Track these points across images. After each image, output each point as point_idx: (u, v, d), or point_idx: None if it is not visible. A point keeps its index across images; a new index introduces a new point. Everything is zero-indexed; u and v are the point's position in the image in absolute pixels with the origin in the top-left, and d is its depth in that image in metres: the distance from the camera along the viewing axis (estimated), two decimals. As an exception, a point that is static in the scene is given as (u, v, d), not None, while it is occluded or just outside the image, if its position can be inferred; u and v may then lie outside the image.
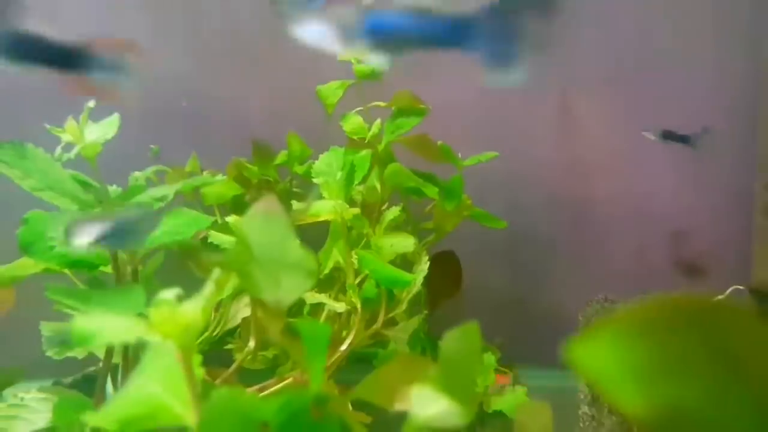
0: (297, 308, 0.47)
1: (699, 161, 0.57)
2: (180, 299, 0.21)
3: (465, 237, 0.54)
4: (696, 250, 0.59)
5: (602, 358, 0.09)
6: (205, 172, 0.56)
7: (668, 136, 0.53)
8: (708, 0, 0.56)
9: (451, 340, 0.19)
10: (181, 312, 0.20)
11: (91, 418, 0.21)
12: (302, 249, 0.19)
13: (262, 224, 0.18)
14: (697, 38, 0.56)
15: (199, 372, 0.22)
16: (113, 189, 0.37)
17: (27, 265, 0.47)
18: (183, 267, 0.53)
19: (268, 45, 0.58)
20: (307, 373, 0.18)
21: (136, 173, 0.39)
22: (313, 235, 0.50)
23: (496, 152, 0.52)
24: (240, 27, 0.59)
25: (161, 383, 0.21)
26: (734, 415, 0.09)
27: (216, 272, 0.21)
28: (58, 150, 0.33)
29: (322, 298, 0.43)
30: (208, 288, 0.21)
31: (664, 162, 0.58)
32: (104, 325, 0.19)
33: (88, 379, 0.48)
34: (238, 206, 0.54)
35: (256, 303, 0.39)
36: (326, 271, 0.45)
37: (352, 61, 0.48)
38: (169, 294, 0.21)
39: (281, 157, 0.54)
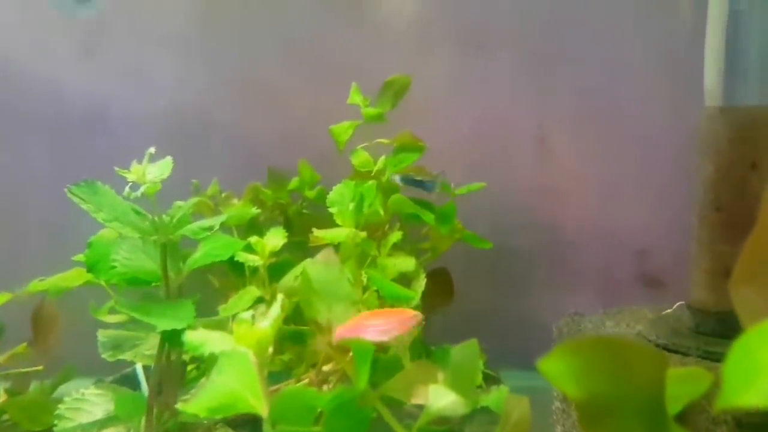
0: (300, 315, 0.54)
1: (662, 188, 0.66)
2: (254, 318, 0.28)
3: (456, 255, 0.62)
4: (658, 266, 0.67)
5: (558, 369, 0.16)
6: (224, 195, 0.63)
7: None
8: (667, 49, 0.65)
9: (458, 351, 0.27)
10: (256, 328, 0.28)
11: (185, 407, 0.28)
12: (349, 286, 0.26)
13: (322, 267, 0.26)
14: (655, 83, 0.65)
15: (265, 374, 0.29)
16: (165, 218, 0.44)
17: (72, 278, 0.54)
18: (202, 279, 0.60)
19: (282, 82, 0.66)
20: (353, 376, 0.26)
21: (179, 202, 0.46)
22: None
23: (483, 181, 0.59)
24: (258, 64, 0.66)
25: (238, 381, 0.28)
26: (632, 414, 0.17)
27: (281, 297, 0.28)
28: (127, 189, 0.40)
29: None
30: (275, 310, 0.28)
31: (631, 189, 0.67)
32: (206, 338, 0.26)
33: (126, 379, 0.55)
34: (254, 226, 0.61)
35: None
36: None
37: (360, 104, 0.56)
38: (247, 314, 0.28)
39: (293, 183, 0.62)
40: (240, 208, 0.59)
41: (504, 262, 0.66)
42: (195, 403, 0.28)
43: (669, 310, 0.45)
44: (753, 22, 0.37)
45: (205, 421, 0.45)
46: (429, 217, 0.55)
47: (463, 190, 0.58)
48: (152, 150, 0.40)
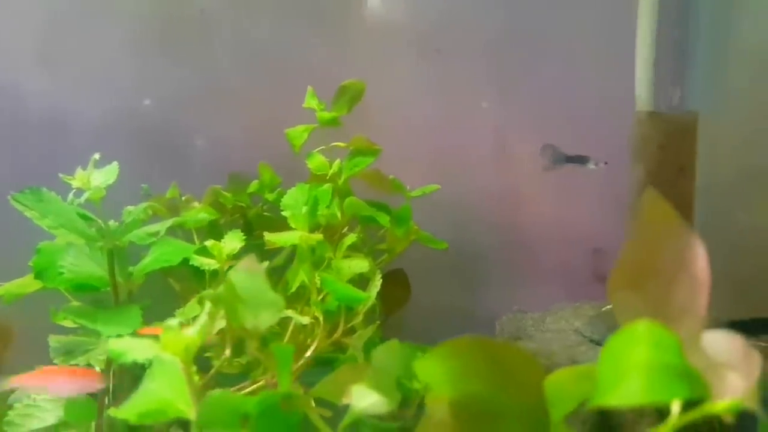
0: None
1: (616, 189, 0.67)
2: (181, 325, 0.29)
3: (415, 256, 0.62)
4: (612, 264, 0.68)
5: (434, 370, 0.17)
6: (183, 198, 0.63)
7: (570, 159, 0.61)
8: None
9: (380, 352, 0.27)
10: (183, 335, 0.28)
11: (116, 413, 0.29)
12: (273, 293, 0.27)
13: (245, 276, 0.26)
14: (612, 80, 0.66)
15: (195, 379, 0.30)
16: (112, 224, 0.44)
17: (26, 284, 0.54)
18: (164, 281, 0.60)
19: (243, 87, 0.66)
20: (277, 378, 0.26)
21: (129, 208, 0.46)
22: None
23: (442, 184, 0.60)
24: (218, 69, 0.66)
25: (168, 387, 0.29)
26: (507, 411, 0.18)
27: (209, 306, 0.29)
28: (71, 196, 0.40)
29: (289, 312, 0.51)
30: (203, 318, 0.29)
31: (587, 190, 0.68)
32: (132, 345, 0.26)
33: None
34: (214, 229, 0.61)
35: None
36: (293, 289, 0.53)
37: (316, 108, 0.56)
38: (174, 322, 0.28)
39: (253, 186, 0.62)
40: (198, 212, 0.59)
41: (463, 262, 0.67)
42: (126, 409, 0.29)
43: (608, 307, 0.46)
44: (680, 33, 0.38)
45: (159, 425, 0.46)
46: (384, 219, 0.56)
47: (417, 192, 0.59)
48: (97, 156, 0.40)
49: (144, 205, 0.46)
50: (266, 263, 0.55)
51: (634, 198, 0.40)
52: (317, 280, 0.51)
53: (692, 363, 0.18)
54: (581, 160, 0.60)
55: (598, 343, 0.39)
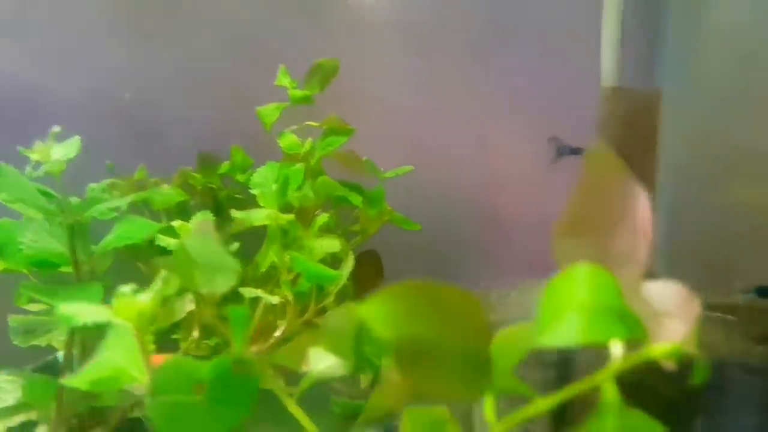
0: (237, 301, 0.54)
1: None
2: (136, 292, 0.28)
3: (389, 239, 0.62)
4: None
5: (376, 312, 0.17)
6: (152, 181, 0.62)
7: (574, 151, 0.62)
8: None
9: (334, 315, 0.27)
10: (136, 301, 0.28)
11: (68, 381, 0.28)
12: (229, 255, 0.26)
13: (199, 238, 0.26)
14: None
15: (151, 347, 0.29)
16: (73, 199, 0.43)
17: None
18: (132, 265, 0.59)
19: (217, 68, 0.65)
20: (232, 342, 0.26)
21: (93, 185, 0.45)
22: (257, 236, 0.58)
23: (419, 169, 0.60)
24: (191, 50, 0.65)
25: (122, 355, 0.28)
26: (449, 352, 0.18)
27: (163, 272, 0.28)
28: (28, 168, 0.39)
29: (258, 292, 0.50)
30: (157, 284, 0.28)
31: (564, 178, 0.68)
32: (81, 310, 0.26)
33: (47, 367, 0.54)
34: (184, 211, 0.61)
35: (199, 298, 0.46)
36: (263, 270, 0.52)
37: (288, 86, 0.56)
38: (127, 288, 0.28)
39: (224, 167, 0.61)
40: (169, 193, 0.59)
41: (437, 247, 0.67)
42: (79, 378, 0.28)
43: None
44: (647, 10, 0.38)
45: (121, 405, 0.45)
46: (357, 198, 0.56)
47: (391, 174, 0.58)
48: (57, 129, 0.39)
49: (107, 181, 0.45)
50: (236, 244, 0.55)
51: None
52: (287, 260, 0.50)
53: (634, 309, 0.18)
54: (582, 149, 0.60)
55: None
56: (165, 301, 0.57)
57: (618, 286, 0.17)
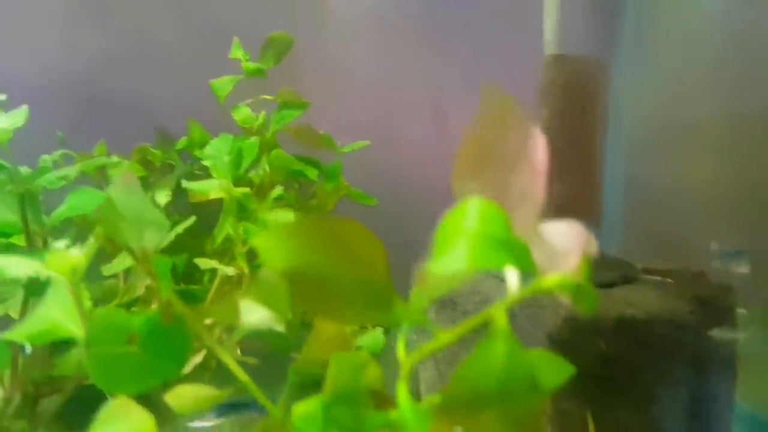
0: (192, 273, 0.55)
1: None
2: (68, 247, 0.28)
3: (350, 214, 0.63)
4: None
5: (272, 244, 0.18)
6: (112, 157, 0.62)
7: None
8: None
9: (265, 271, 0.28)
10: (70, 256, 0.28)
11: (8, 336, 0.28)
12: (154, 209, 0.27)
13: (124, 192, 0.26)
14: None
15: (87, 303, 0.30)
16: (23, 169, 0.43)
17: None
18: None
19: (174, 43, 0.65)
20: (159, 292, 0.26)
21: (45, 156, 0.45)
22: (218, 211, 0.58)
23: (379, 148, 0.61)
24: (147, 24, 0.65)
25: (59, 309, 0.29)
26: (348, 285, 0.18)
27: (97, 229, 0.29)
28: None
29: (214, 263, 0.51)
30: (91, 240, 0.29)
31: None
32: (13, 263, 0.26)
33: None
34: (143, 187, 0.61)
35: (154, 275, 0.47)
36: (219, 242, 0.53)
37: (242, 58, 0.56)
38: (60, 243, 0.28)
39: (182, 143, 0.61)
40: (127, 169, 0.59)
41: (394, 223, 0.68)
42: (17, 332, 0.29)
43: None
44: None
45: (77, 374, 0.45)
46: (313, 172, 0.56)
47: (348, 148, 0.59)
48: (2, 97, 0.39)
49: (59, 152, 0.45)
50: (193, 217, 0.55)
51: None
52: (242, 232, 0.51)
53: (532, 247, 0.19)
54: None
55: (502, 280, 0.40)
56: (126, 277, 0.57)
57: (505, 218, 0.18)
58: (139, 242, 0.27)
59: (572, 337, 0.38)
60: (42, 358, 0.45)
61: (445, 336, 0.21)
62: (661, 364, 0.39)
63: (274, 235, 0.18)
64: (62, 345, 0.49)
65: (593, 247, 0.21)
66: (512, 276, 0.20)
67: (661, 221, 0.69)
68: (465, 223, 0.18)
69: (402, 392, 0.22)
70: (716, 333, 0.44)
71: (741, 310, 0.46)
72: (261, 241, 0.18)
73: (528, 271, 0.19)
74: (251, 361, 0.49)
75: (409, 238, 0.72)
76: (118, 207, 0.26)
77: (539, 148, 0.20)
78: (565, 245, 0.21)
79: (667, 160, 0.68)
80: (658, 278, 0.44)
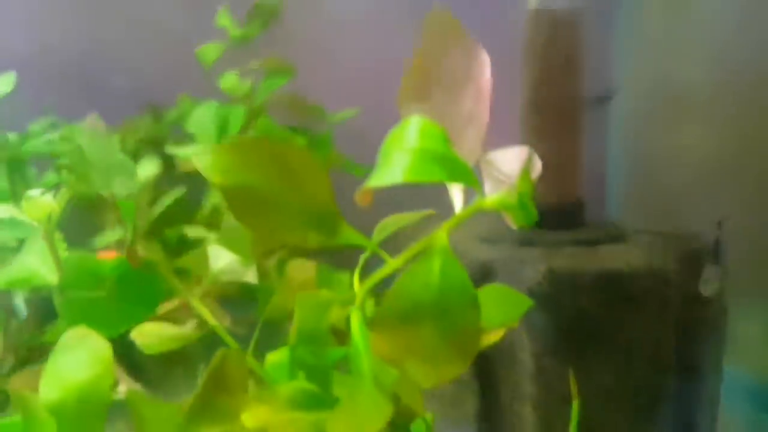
0: (182, 241, 0.55)
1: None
2: (43, 194, 0.29)
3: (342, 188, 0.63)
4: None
5: (212, 162, 0.18)
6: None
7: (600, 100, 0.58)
8: None
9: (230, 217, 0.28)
10: (45, 203, 0.29)
11: (-12, 284, 0.29)
12: (122, 155, 0.27)
13: (90, 137, 0.27)
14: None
15: (63, 252, 0.30)
16: (12, 135, 0.44)
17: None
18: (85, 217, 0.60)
19: (166, 18, 0.65)
20: (127, 237, 0.27)
21: (34, 124, 0.46)
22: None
23: (371, 119, 0.61)
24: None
25: (35, 256, 0.29)
26: (289, 204, 0.19)
27: (69, 176, 0.29)
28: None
29: (202, 231, 0.51)
30: (64, 188, 0.29)
31: (501, 122, 0.69)
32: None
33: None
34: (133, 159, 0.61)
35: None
36: (207, 211, 0.53)
37: (228, 26, 0.56)
38: (36, 191, 0.29)
39: (172, 115, 0.62)
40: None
41: (385, 201, 0.68)
42: (-7, 279, 0.29)
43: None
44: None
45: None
46: (301, 141, 0.56)
47: (337, 117, 0.59)
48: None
49: (48, 120, 0.45)
50: (183, 188, 0.56)
51: (524, 99, 0.41)
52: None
53: (479, 170, 0.19)
54: (608, 97, 0.57)
55: (486, 240, 0.41)
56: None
57: (445, 135, 0.18)
58: (109, 189, 0.28)
59: (553, 293, 0.38)
60: (34, 324, 0.46)
61: (395, 262, 0.21)
62: (643, 320, 0.39)
63: (216, 153, 0.18)
64: (54, 313, 0.51)
65: (538, 169, 0.21)
66: (456, 195, 0.20)
67: (661, 189, 0.68)
68: (405, 139, 0.18)
69: (354, 321, 0.22)
70: (703, 291, 0.44)
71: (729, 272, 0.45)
72: (202, 159, 0.18)
73: (469, 186, 0.19)
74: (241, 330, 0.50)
75: (402, 209, 0.72)
76: (87, 153, 0.26)
77: (485, 71, 0.20)
78: (510, 167, 0.21)
79: (664, 127, 0.68)
80: (648, 239, 0.43)
